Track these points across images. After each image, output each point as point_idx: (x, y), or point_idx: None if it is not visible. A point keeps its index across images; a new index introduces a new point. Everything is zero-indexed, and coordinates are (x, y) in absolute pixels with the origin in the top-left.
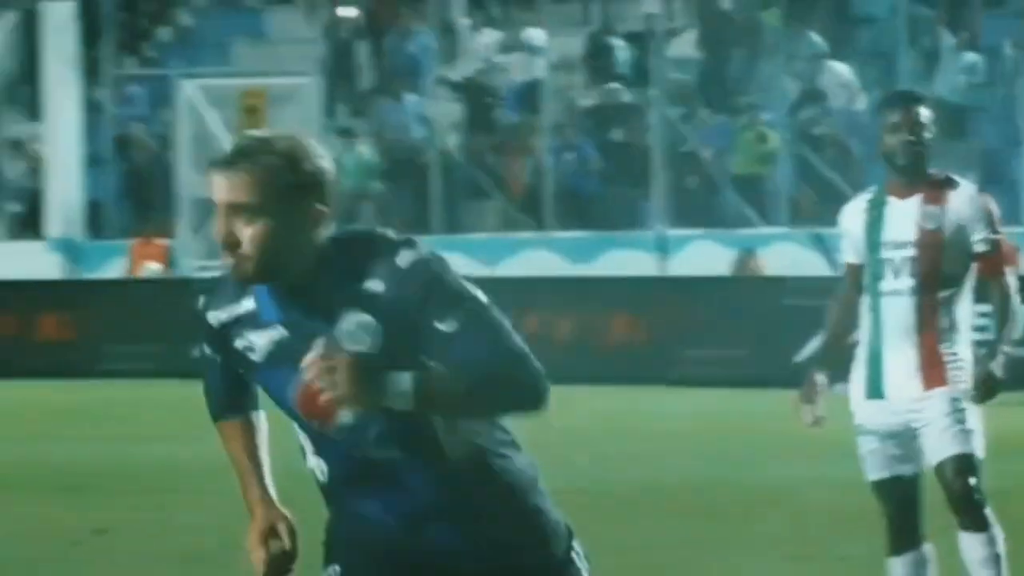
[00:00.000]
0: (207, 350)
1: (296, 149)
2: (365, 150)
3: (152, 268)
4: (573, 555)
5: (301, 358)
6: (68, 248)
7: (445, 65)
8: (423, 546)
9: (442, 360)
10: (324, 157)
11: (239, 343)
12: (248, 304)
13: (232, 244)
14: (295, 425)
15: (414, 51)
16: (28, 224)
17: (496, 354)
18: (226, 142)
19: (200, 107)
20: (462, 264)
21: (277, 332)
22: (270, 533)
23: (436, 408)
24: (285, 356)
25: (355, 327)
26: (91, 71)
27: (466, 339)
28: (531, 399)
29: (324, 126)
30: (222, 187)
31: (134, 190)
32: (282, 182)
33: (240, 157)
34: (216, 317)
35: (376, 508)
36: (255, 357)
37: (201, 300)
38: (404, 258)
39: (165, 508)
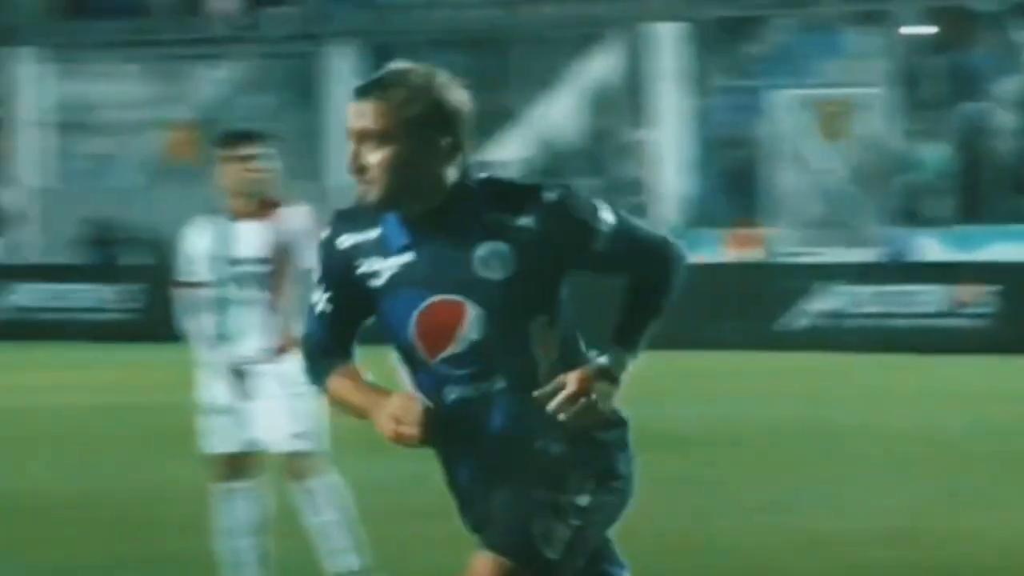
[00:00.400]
0: (322, 291)
1: (429, 83)
2: (933, 152)
3: (746, 253)
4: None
5: (427, 282)
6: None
7: (1003, 78)
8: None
9: (602, 271)
10: (460, 95)
11: (362, 269)
12: (375, 232)
13: (359, 169)
14: (400, 360)
15: (977, 65)
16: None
17: (653, 258)
18: (810, 146)
19: (788, 115)
20: (1015, 250)
21: (405, 257)
22: (404, 403)
23: (643, 345)
24: (410, 280)
25: (490, 255)
26: (695, 83)
27: (620, 254)
28: (682, 276)
29: (895, 132)
30: (355, 114)
31: (730, 186)
32: (410, 112)
33: (374, 87)
34: (344, 241)
35: (465, 461)
36: (377, 283)
37: (327, 230)
38: (551, 195)
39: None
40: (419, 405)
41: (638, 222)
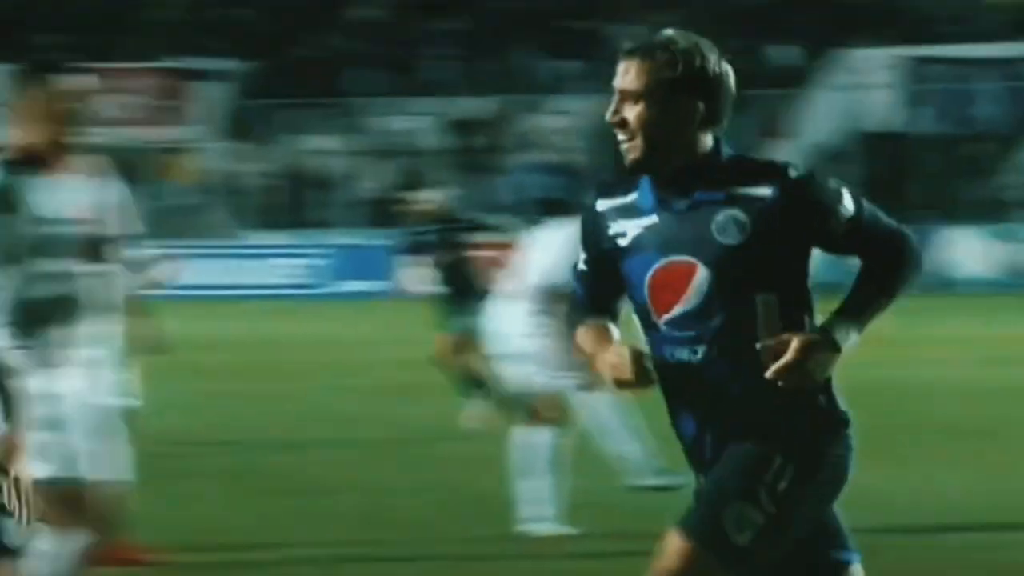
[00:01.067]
0: (581, 251)
1: (692, 50)
2: None
3: None
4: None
5: (664, 243)
6: None
7: None
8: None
9: (837, 252)
10: (723, 66)
11: (613, 229)
12: (631, 196)
13: (617, 124)
14: (637, 321)
15: None
16: None
17: (887, 247)
18: None
19: None
20: None
21: (650, 219)
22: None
23: (869, 322)
24: (651, 242)
25: (727, 220)
26: None
27: (856, 238)
28: (917, 270)
29: None
30: (620, 72)
31: None
32: (667, 75)
33: (640, 48)
34: (602, 204)
35: (687, 417)
36: (623, 243)
37: (590, 198)
38: (796, 172)
39: None
40: (630, 353)
41: (879, 213)
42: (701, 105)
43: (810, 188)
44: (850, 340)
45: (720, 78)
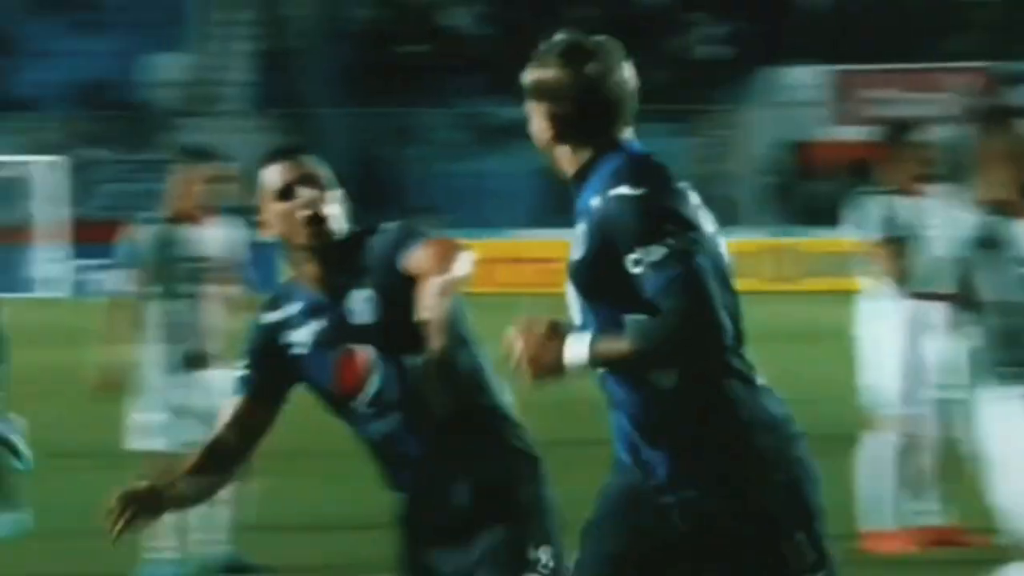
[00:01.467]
0: None
1: (566, 54)
2: None
3: None
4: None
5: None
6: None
7: None
8: (643, 475)
9: (633, 293)
10: (603, 70)
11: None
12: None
13: None
14: None
15: None
16: None
17: (667, 306)
18: None
19: None
20: None
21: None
22: None
23: (607, 367)
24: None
25: (577, 234)
26: None
27: (649, 282)
28: (695, 350)
29: None
30: None
31: None
32: (536, 79)
33: (537, 53)
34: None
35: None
36: None
37: None
38: (617, 190)
39: None
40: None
41: (683, 286)
42: (566, 110)
43: (624, 210)
44: (578, 354)
45: (594, 83)
